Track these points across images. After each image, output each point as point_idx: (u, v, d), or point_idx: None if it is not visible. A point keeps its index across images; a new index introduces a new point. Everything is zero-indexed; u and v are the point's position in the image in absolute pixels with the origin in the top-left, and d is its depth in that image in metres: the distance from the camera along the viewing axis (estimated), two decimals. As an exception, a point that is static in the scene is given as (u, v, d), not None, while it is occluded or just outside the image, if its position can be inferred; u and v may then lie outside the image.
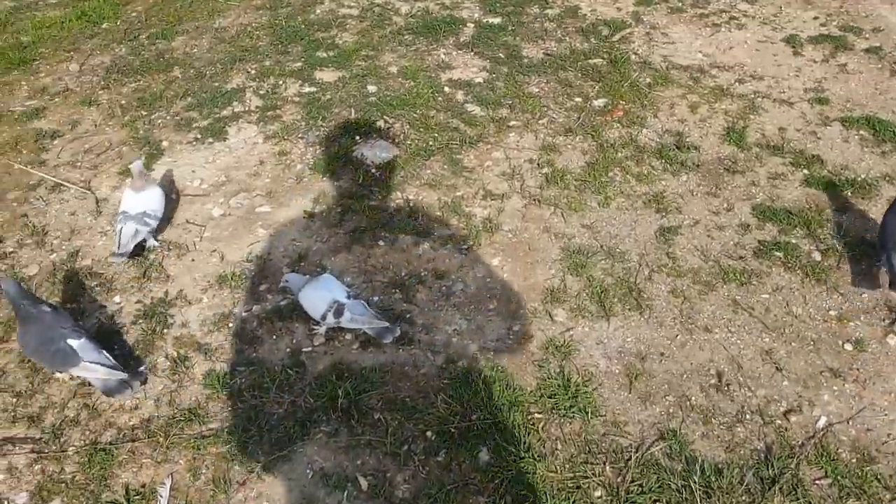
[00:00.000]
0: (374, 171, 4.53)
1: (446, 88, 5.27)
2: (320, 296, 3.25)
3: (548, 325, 3.53)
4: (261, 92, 5.32)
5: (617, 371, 3.30)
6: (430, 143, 4.77)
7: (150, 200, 3.79)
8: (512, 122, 4.93)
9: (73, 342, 3.01)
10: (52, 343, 2.98)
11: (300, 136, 4.88)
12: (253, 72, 5.58)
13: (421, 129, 4.86)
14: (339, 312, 3.16)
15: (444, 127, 4.89)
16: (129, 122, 5.12)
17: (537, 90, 5.23)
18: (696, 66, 5.40)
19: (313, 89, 5.30)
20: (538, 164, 4.56)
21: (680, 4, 6.19)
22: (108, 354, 3.07)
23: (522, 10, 6.21)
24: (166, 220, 4.09)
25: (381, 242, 4.00)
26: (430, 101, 5.10)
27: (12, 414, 3.13)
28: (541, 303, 3.63)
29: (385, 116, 5.00)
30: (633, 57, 5.51)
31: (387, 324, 3.27)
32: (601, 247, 3.94)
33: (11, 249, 4.06)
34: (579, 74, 5.36)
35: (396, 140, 4.78)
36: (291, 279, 3.32)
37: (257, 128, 4.96)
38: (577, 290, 3.70)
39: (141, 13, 6.66)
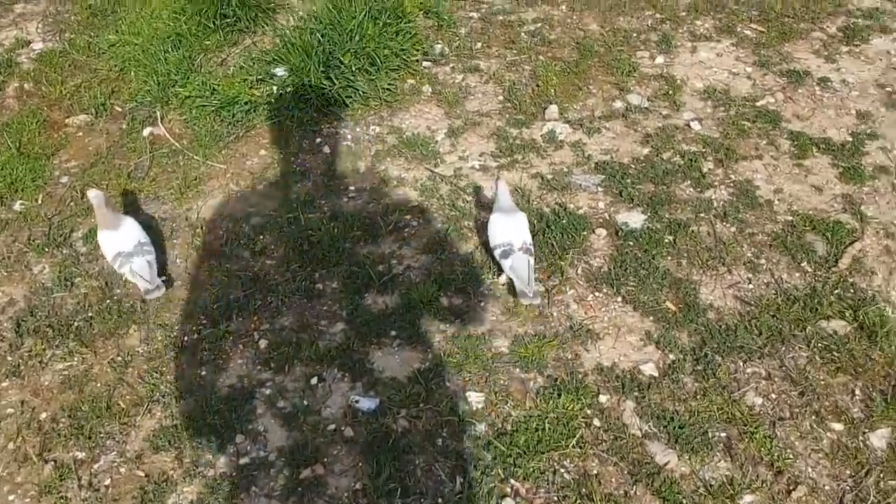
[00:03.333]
0: None
1: (602, 398, 2.98)
2: None
3: None
4: (282, 408, 2.99)
5: None
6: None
7: (134, 231, 3.56)
8: (746, 497, 2.65)
9: None
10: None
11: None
12: (263, 347, 3.24)
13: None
14: None
15: (627, 512, 2.62)
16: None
17: (759, 400, 2.99)
18: None
19: (372, 403, 2.98)
20: None
21: (911, 179, 3.93)
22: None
23: (669, 191, 3.96)
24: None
25: None
26: (581, 439, 2.81)
27: None
28: None
29: (513, 481, 2.71)
30: (891, 313, 3.24)
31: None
32: None
33: None
34: (815, 355, 3.10)
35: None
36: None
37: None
38: None
39: (73, 178, 4.27)
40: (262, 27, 5.34)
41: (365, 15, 4.87)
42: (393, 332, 3.35)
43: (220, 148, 4.48)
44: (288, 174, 4.27)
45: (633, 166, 4.21)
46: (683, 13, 5.50)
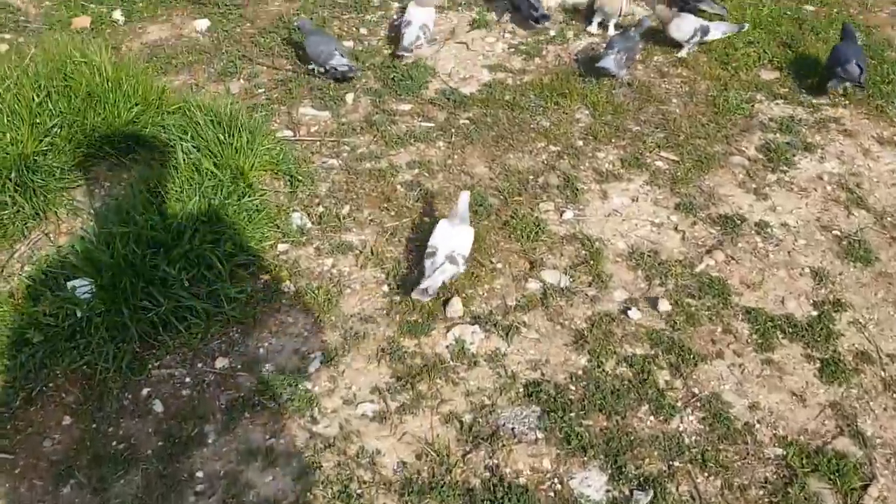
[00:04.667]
0: None
1: None
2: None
3: None
4: None
5: None
6: None
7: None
8: None
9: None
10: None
11: None
12: None
13: None
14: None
15: None
16: None
17: None
18: None
19: None
20: None
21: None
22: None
23: (626, 423, 3.19)
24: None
25: None
26: None
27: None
28: None
29: None
30: None
31: None
32: None
33: None
34: None
35: None
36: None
37: None
38: None
39: None
40: (55, 211, 3.98)
41: (196, 199, 3.64)
42: None
43: (0, 422, 3.11)
44: (106, 459, 3.02)
45: (573, 387, 3.24)
46: (581, 143, 4.61)
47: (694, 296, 3.67)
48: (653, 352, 3.41)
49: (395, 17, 5.79)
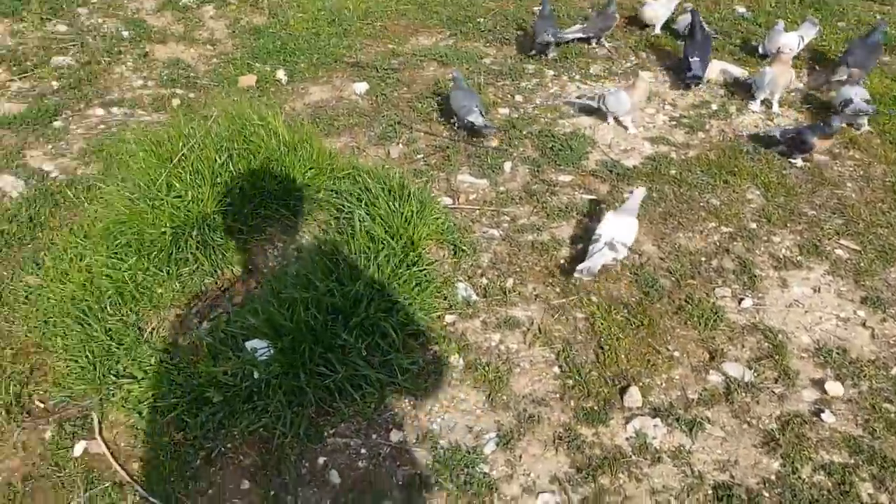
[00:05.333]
0: None
1: None
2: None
3: None
4: None
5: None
6: None
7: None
8: None
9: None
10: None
11: None
12: None
13: None
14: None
15: None
16: None
17: None
18: None
19: None
20: None
21: None
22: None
23: None
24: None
25: None
26: None
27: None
28: None
29: None
30: None
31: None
32: None
33: None
34: None
35: None
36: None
37: None
38: None
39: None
40: (231, 269, 4.06)
41: (372, 267, 3.64)
42: None
43: (183, 480, 3.13)
44: (286, 530, 2.93)
45: (767, 493, 3.03)
46: (754, 225, 4.42)
47: (892, 401, 3.41)
48: (852, 460, 3.17)
49: (549, 85, 5.77)
